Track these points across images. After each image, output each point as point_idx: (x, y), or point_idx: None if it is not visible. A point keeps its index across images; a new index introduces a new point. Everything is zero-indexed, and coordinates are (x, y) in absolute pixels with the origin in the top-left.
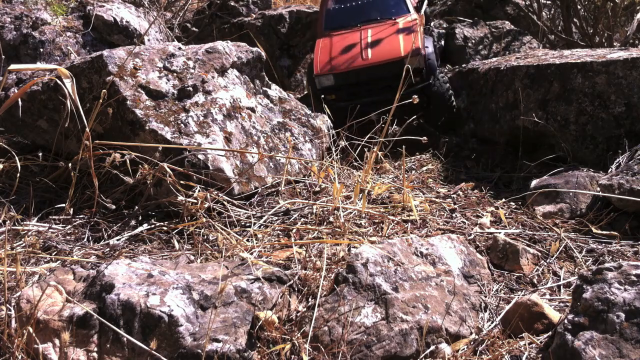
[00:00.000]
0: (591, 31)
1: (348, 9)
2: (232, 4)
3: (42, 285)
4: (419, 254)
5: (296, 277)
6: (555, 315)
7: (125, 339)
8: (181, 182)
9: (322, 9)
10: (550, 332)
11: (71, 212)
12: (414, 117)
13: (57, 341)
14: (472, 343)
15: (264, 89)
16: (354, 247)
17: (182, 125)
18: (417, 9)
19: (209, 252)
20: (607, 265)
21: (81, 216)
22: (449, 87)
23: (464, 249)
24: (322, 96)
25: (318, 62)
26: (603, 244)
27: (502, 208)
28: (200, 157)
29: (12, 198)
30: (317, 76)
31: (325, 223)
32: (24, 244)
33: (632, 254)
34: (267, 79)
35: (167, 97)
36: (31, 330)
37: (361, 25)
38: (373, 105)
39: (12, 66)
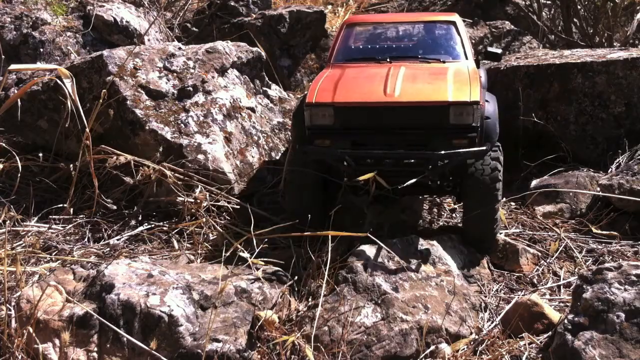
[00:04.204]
0: (591, 31)
1: (374, 40)
2: (232, 4)
3: (42, 285)
4: (419, 254)
5: (296, 277)
6: (555, 315)
7: (125, 339)
8: (181, 182)
9: (337, 36)
10: (550, 332)
11: (71, 212)
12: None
13: (57, 341)
14: (472, 343)
15: (264, 89)
16: (354, 247)
17: (182, 125)
18: (476, 63)
19: (209, 252)
20: (607, 265)
21: (81, 216)
22: (498, 171)
23: (464, 249)
24: (312, 140)
25: (315, 88)
26: (603, 244)
27: (502, 208)
28: (201, 157)
29: (12, 198)
30: (310, 106)
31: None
32: (24, 244)
33: (632, 254)
34: (267, 79)
35: (167, 97)
36: (31, 330)
37: (391, 60)
38: (385, 167)
39: (12, 66)
